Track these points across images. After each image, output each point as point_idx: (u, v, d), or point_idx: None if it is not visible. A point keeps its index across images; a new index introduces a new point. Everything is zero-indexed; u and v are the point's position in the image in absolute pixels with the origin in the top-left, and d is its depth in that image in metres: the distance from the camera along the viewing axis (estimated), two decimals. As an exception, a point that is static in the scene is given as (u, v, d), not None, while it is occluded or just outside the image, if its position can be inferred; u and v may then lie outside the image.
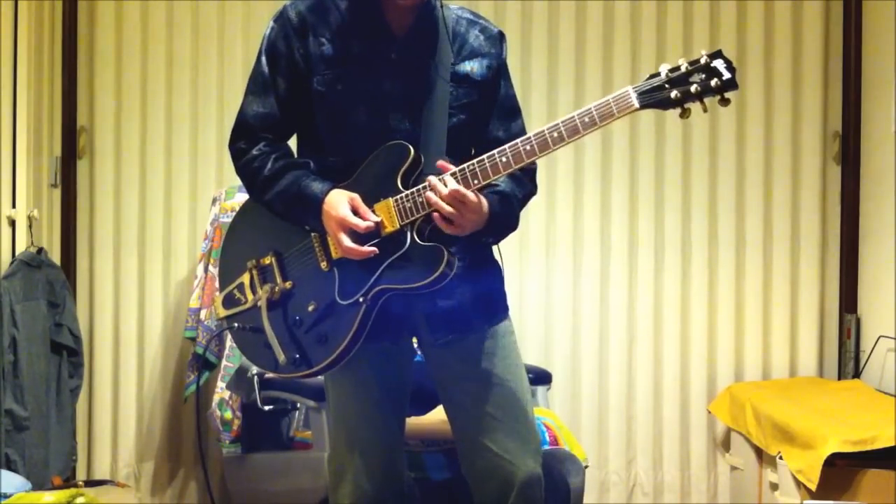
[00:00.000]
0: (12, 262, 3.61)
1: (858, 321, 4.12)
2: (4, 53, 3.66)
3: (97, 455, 4.21)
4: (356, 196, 2.20)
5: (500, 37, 2.39)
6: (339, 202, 2.19)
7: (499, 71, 2.36)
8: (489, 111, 2.35)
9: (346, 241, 2.17)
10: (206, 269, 3.84)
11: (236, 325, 2.36)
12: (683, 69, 2.03)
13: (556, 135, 2.08)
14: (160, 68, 4.20)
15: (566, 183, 4.24)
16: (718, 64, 2.02)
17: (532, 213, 4.13)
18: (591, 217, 4.24)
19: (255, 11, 4.19)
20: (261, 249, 2.34)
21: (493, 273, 2.41)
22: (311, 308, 2.26)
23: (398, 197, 2.18)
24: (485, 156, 2.14)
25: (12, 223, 3.71)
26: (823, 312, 4.28)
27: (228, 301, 2.38)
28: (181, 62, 4.21)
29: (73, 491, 3.14)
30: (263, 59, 2.32)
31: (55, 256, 4.03)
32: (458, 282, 2.23)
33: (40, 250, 3.76)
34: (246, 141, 2.32)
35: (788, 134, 4.24)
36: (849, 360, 4.12)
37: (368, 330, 2.21)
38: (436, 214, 2.14)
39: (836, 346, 4.25)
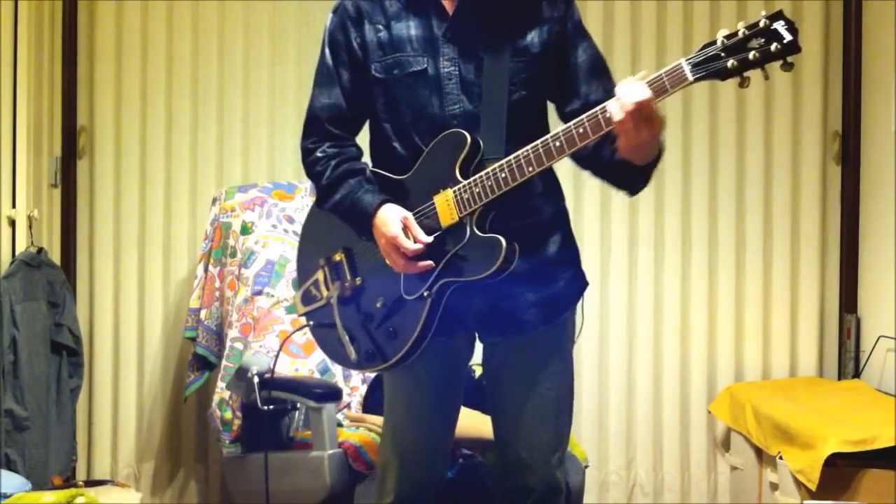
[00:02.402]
0: (12, 262, 3.61)
1: (858, 321, 4.12)
2: (4, 53, 3.65)
3: (97, 455, 4.20)
4: (409, 215, 2.20)
5: None
6: (392, 220, 2.20)
7: (564, 35, 2.28)
8: (553, 83, 2.30)
9: (400, 261, 2.19)
10: (206, 269, 3.83)
11: (312, 322, 2.41)
12: (741, 34, 1.91)
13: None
14: (160, 68, 4.19)
15: (566, 183, 4.18)
16: (779, 26, 1.88)
17: (532, 213, 4.12)
18: (591, 217, 4.23)
19: (254, 11, 4.19)
20: (332, 246, 2.37)
21: (563, 266, 2.36)
22: (378, 304, 2.28)
23: (457, 188, 2.17)
24: (571, 123, 2.08)
25: (12, 223, 3.70)
26: (823, 312, 4.27)
27: (306, 298, 2.43)
28: (181, 62, 4.20)
29: (73, 491, 3.13)
30: (326, 50, 2.33)
31: (55, 256, 4.03)
32: (519, 278, 2.20)
33: (40, 250, 3.76)
34: (314, 139, 2.34)
35: (788, 134, 4.23)
36: (849, 360, 4.12)
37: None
38: (621, 124, 2.02)
39: (836, 346, 4.24)
